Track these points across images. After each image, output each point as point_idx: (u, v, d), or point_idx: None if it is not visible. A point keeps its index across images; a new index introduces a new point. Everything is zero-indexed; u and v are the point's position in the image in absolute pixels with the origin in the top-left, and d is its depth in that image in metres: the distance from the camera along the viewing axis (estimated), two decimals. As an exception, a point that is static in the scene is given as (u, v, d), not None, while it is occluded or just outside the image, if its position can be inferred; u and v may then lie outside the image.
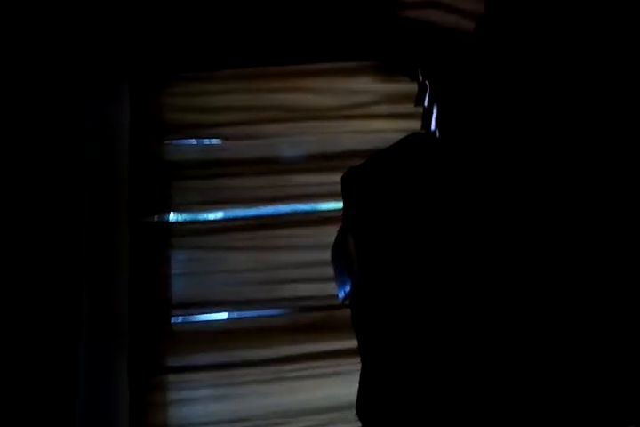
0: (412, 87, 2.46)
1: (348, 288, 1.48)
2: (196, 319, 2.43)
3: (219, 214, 2.56)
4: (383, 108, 2.50)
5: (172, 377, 2.31)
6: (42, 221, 2.29)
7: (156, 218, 2.48)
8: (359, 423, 1.39)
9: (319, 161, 2.47)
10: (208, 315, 2.43)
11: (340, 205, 1.65)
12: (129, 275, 2.35)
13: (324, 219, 2.44)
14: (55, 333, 2.22)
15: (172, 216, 2.53)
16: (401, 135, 1.64)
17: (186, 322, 2.43)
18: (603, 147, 1.47)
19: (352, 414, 1.42)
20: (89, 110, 2.41)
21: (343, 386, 2.21)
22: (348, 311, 1.50)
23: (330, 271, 1.61)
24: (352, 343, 1.53)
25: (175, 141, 2.52)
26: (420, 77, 2.45)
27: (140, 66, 2.48)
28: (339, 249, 1.55)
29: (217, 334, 2.36)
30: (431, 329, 1.31)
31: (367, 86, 2.49)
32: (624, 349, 1.29)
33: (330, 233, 1.65)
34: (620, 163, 1.46)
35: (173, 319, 2.40)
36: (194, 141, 2.54)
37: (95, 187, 2.38)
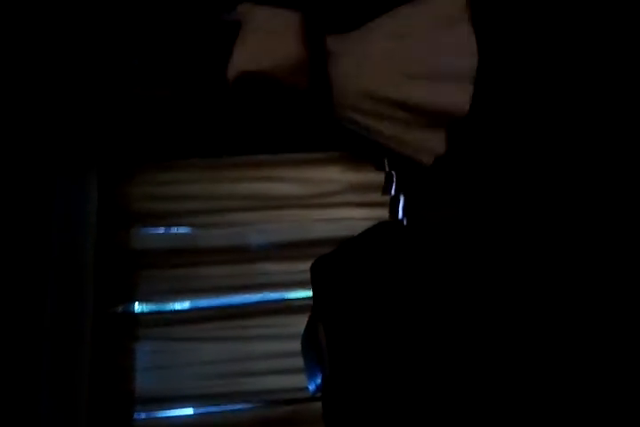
0: (378, 177, 2.51)
1: (318, 380, 1.45)
2: (161, 415, 2.35)
3: (186, 304, 2.52)
4: (351, 197, 2.53)
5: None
6: (4, 309, 2.23)
7: (121, 308, 2.43)
8: None
9: (288, 249, 2.48)
10: (173, 410, 2.35)
11: (309, 293, 1.64)
12: (90, 367, 2.28)
13: (293, 308, 2.42)
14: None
15: (138, 306, 2.48)
16: (369, 223, 1.65)
17: (149, 418, 2.34)
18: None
19: None
20: (57, 198, 2.41)
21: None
22: (319, 404, 1.46)
23: (300, 362, 1.58)
24: (324, 438, 1.48)
25: (143, 230, 2.51)
26: (387, 167, 2.51)
27: (109, 154, 2.50)
28: (309, 339, 1.53)
29: (182, 431, 2.28)
30: (406, 421, 1.28)
31: (335, 176, 2.54)
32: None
33: (300, 322, 1.62)
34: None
35: (136, 415, 2.31)
36: (162, 230, 2.54)
37: (61, 276, 2.35)
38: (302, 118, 1.99)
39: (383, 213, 2.48)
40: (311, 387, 1.50)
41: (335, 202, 2.53)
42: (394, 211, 2.41)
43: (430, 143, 1.77)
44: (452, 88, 1.61)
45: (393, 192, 2.47)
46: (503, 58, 1.71)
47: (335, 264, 1.54)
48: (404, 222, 1.94)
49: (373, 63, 1.68)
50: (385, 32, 1.68)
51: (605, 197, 1.54)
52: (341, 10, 2.19)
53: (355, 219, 2.48)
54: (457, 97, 1.59)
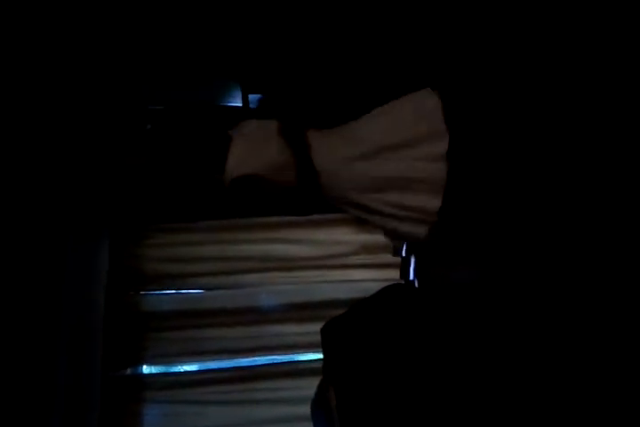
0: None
1: (328, 444, 1.42)
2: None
3: (194, 366, 2.49)
4: (362, 259, 2.54)
5: None
6: (12, 368, 2.21)
7: (129, 371, 2.41)
8: None
9: (298, 311, 2.46)
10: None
11: (319, 355, 1.62)
12: (98, 430, 2.23)
13: (303, 370, 2.39)
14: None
15: (146, 369, 2.46)
16: (380, 284, 1.65)
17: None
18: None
19: None
20: (69, 258, 2.42)
21: None
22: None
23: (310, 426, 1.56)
24: None
25: (152, 292, 2.51)
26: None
27: (121, 216, 2.53)
28: (319, 402, 1.51)
29: None
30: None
31: (346, 237, 2.55)
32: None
33: (310, 386, 1.62)
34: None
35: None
36: (172, 292, 2.53)
37: (70, 337, 2.33)
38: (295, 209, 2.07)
39: (394, 275, 2.48)
40: (321, 451, 1.47)
41: (346, 263, 2.53)
42: (405, 272, 2.42)
43: (414, 233, 1.86)
44: (423, 196, 1.72)
45: (404, 253, 2.48)
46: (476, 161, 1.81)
47: (346, 327, 1.53)
48: (416, 284, 1.94)
49: (353, 167, 1.79)
50: (363, 137, 1.80)
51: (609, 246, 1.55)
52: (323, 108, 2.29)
53: (366, 280, 2.47)
54: (429, 203, 1.70)
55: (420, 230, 1.75)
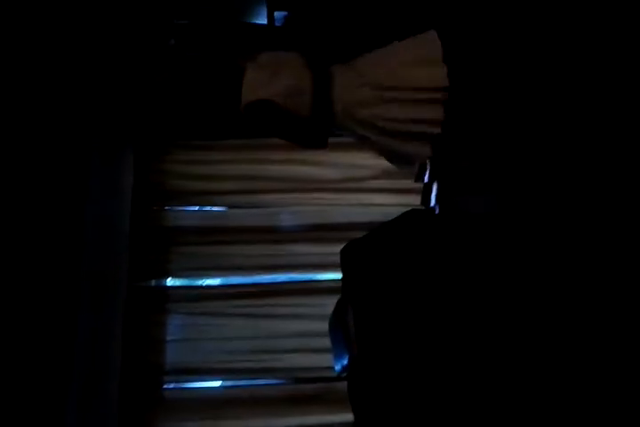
0: (412, 163, 2.53)
1: (345, 361, 1.48)
2: (189, 386, 2.42)
3: (216, 281, 2.57)
4: (383, 183, 2.55)
5: (160, 446, 2.27)
6: (40, 279, 2.30)
7: (153, 282, 2.49)
8: None
9: (318, 232, 2.51)
10: (201, 382, 2.42)
11: (338, 275, 1.66)
12: (123, 338, 2.33)
13: (321, 289, 2.45)
14: (45, 394, 2.20)
15: (170, 281, 2.54)
16: (400, 209, 1.67)
17: (178, 389, 2.41)
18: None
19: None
20: (93, 174, 2.46)
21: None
22: (344, 385, 1.50)
23: (327, 343, 1.61)
24: (348, 417, 1.52)
25: (176, 208, 2.55)
26: (421, 154, 2.52)
27: (146, 133, 2.54)
28: (337, 321, 1.56)
29: (209, 403, 2.34)
30: (430, 407, 1.31)
31: (369, 161, 2.54)
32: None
33: (327, 303, 1.66)
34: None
35: (165, 385, 2.38)
36: (195, 208, 2.58)
37: (95, 249, 2.40)
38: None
39: (415, 200, 2.49)
40: (337, 367, 1.53)
41: (368, 187, 2.56)
42: (426, 198, 2.43)
43: (417, 154, 1.91)
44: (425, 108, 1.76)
45: (426, 179, 2.49)
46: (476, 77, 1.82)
47: (366, 249, 1.57)
48: (436, 210, 1.96)
49: (363, 89, 1.80)
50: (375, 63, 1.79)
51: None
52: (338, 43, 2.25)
53: (386, 205, 2.50)
54: (431, 115, 1.77)
55: (425, 150, 1.80)
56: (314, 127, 1.88)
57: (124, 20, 2.40)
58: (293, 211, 2.54)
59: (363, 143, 2.00)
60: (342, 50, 1.98)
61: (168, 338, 2.40)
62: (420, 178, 2.47)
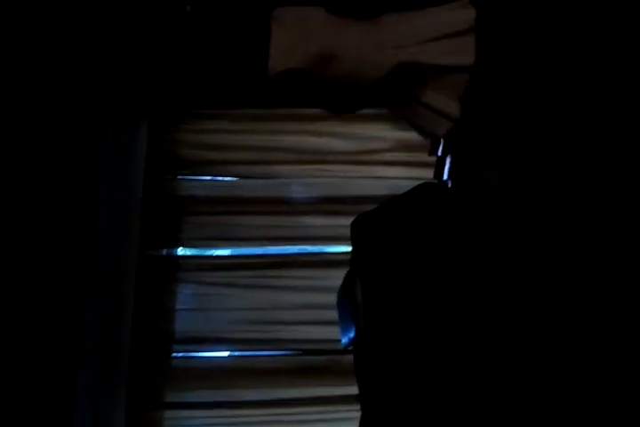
0: (425, 136, 2.50)
1: (352, 334, 1.48)
2: (197, 355, 2.43)
3: (227, 251, 2.57)
4: (396, 156, 2.52)
5: (168, 413, 2.30)
6: (52, 245, 2.30)
7: (164, 251, 2.50)
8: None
9: (330, 204, 2.49)
10: (209, 352, 2.43)
11: (348, 248, 1.65)
12: (133, 306, 2.35)
13: (331, 262, 2.45)
14: (54, 358, 2.21)
15: (181, 250, 2.54)
16: (413, 183, 1.65)
17: (186, 357, 2.42)
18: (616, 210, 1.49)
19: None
20: (106, 143, 2.44)
21: (341, 433, 2.20)
22: (350, 357, 1.50)
23: (334, 315, 1.61)
24: (352, 390, 1.52)
25: (189, 177, 2.55)
26: (435, 127, 2.49)
27: (159, 102, 2.52)
28: (345, 294, 1.55)
29: (217, 372, 2.36)
30: (434, 381, 1.31)
31: (382, 133, 2.53)
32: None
33: (337, 276, 1.65)
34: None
35: (174, 354, 2.40)
36: (207, 178, 2.57)
37: (108, 218, 2.40)
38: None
39: (428, 174, 2.47)
40: (344, 340, 1.53)
41: (381, 160, 2.53)
42: (439, 172, 2.41)
43: (447, 109, 1.88)
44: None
45: (440, 153, 2.47)
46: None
47: (377, 223, 1.55)
48: (449, 184, 1.94)
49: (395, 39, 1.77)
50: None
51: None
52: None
53: (399, 178, 2.47)
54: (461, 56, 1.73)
55: (450, 105, 1.78)
56: (348, 92, 1.84)
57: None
58: (305, 182, 2.52)
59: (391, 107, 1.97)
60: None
61: (178, 307, 2.42)
62: (433, 151, 2.45)
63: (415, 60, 1.79)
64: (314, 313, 2.37)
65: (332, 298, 1.64)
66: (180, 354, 2.42)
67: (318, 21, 1.78)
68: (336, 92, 1.81)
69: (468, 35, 1.76)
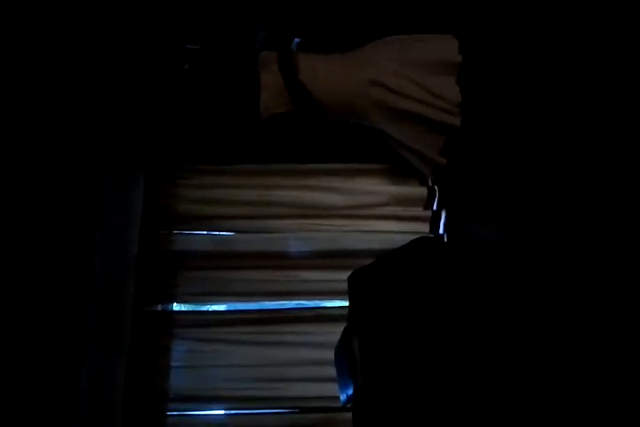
0: (421, 191, 2.53)
1: (350, 391, 1.46)
2: (193, 414, 2.38)
3: (223, 306, 2.56)
4: (393, 210, 2.53)
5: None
6: (47, 300, 2.29)
7: (159, 307, 2.48)
8: None
9: (326, 258, 2.48)
10: (205, 410, 2.38)
11: (345, 303, 1.65)
12: (127, 362, 2.31)
13: (328, 316, 2.43)
14: (47, 416, 2.17)
15: (176, 306, 2.52)
16: (409, 237, 1.66)
17: (181, 416, 2.37)
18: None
19: None
20: (104, 197, 2.45)
21: None
22: (349, 415, 1.47)
23: (332, 371, 1.59)
24: (352, 449, 1.49)
25: (185, 232, 2.54)
26: (430, 182, 2.53)
27: (156, 156, 2.54)
28: (343, 350, 1.54)
29: (213, 431, 2.31)
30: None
31: (377, 188, 2.54)
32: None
33: (333, 331, 1.64)
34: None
35: (169, 412, 2.35)
36: (204, 233, 2.57)
37: (103, 271, 2.39)
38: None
39: (424, 228, 2.49)
40: (342, 397, 1.51)
41: (377, 214, 2.53)
42: (435, 226, 2.43)
43: (430, 153, 1.94)
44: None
45: (435, 207, 2.50)
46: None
47: (373, 277, 1.55)
48: (445, 238, 1.96)
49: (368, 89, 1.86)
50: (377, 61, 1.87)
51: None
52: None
53: (395, 232, 2.48)
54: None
55: (433, 147, 1.83)
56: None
57: (137, 44, 2.42)
58: (302, 237, 2.51)
59: (376, 132, 2.01)
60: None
61: (173, 364, 2.38)
62: (429, 205, 2.48)
63: (401, 107, 1.84)
64: (311, 370, 2.33)
65: (329, 354, 1.63)
66: (175, 413, 2.36)
67: (300, 63, 1.85)
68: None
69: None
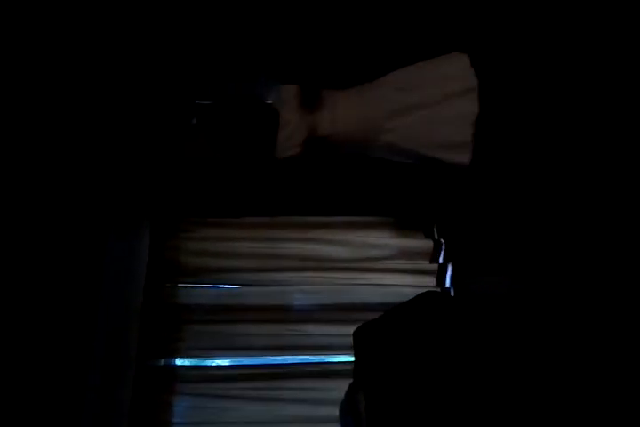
0: (427, 244, 2.52)
1: (355, 450, 1.42)
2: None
3: (226, 361, 2.51)
4: (399, 263, 2.52)
5: None
6: (50, 354, 2.27)
7: (162, 361, 2.44)
8: None
9: (332, 312, 2.46)
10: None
11: (350, 358, 1.62)
12: (129, 419, 2.27)
13: (334, 372, 2.39)
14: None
15: (179, 360, 2.49)
16: (415, 291, 1.65)
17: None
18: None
19: None
20: (109, 250, 2.46)
21: None
22: (354, 476, 1.43)
23: (337, 429, 1.56)
24: None
25: (190, 285, 2.53)
26: (436, 235, 2.53)
27: (162, 210, 2.55)
28: (348, 407, 1.51)
29: None
30: None
31: (383, 241, 2.54)
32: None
33: (339, 387, 1.61)
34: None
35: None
36: (208, 286, 2.55)
37: (107, 324, 2.37)
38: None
39: (430, 281, 2.48)
40: (347, 456, 1.47)
41: (383, 267, 2.52)
42: (441, 280, 2.42)
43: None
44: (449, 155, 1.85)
45: (441, 260, 2.48)
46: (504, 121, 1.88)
47: (379, 332, 1.53)
48: (452, 292, 1.94)
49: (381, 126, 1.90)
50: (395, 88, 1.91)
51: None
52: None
53: (401, 285, 2.46)
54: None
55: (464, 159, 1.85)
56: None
57: (146, 97, 2.46)
58: (307, 290, 2.49)
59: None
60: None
61: (175, 420, 2.33)
62: (435, 259, 2.47)
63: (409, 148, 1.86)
64: (316, 427, 2.29)
65: (334, 411, 1.59)
66: (177, 472, 2.31)
67: (318, 103, 1.88)
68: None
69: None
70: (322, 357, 2.49)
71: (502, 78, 2.00)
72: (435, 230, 2.53)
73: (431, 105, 1.99)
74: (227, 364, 2.51)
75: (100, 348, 2.32)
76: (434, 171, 2.23)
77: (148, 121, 2.46)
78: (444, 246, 2.50)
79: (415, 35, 2.34)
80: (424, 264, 2.50)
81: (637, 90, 1.96)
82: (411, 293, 1.61)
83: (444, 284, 2.45)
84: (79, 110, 2.43)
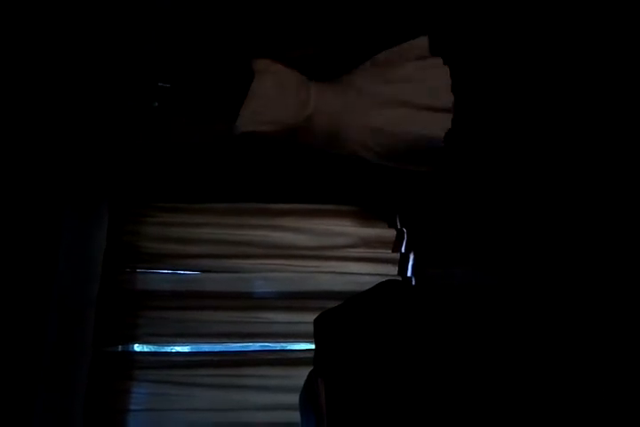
0: (390, 233, 2.53)
1: (315, 437, 1.42)
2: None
3: (186, 348, 2.50)
4: (361, 252, 2.52)
5: None
6: (4, 338, 2.22)
7: (120, 348, 2.41)
8: None
9: (292, 300, 2.46)
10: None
11: (311, 346, 1.62)
12: (84, 406, 2.24)
13: (293, 359, 2.39)
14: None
15: (138, 346, 2.46)
16: (377, 279, 1.65)
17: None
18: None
19: None
20: (64, 231, 2.41)
21: None
22: (313, 462, 1.43)
23: (296, 416, 1.56)
24: None
25: (148, 271, 2.49)
26: (399, 224, 2.54)
27: (122, 193, 2.51)
28: (308, 395, 1.51)
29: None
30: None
31: (345, 229, 2.54)
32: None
33: (299, 375, 1.62)
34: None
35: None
36: (168, 272, 2.52)
37: (62, 310, 2.33)
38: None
39: (392, 270, 2.49)
40: (307, 443, 1.47)
41: (345, 255, 2.52)
42: (403, 268, 2.43)
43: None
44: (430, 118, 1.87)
45: (403, 249, 2.49)
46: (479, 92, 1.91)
47: (340, 320, 1.53)
48: (413, 281, 1.95)
49: (365, 103, 1.90)
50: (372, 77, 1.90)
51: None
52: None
53: (363, 274, 2.47)
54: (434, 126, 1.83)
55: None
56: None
57: (108, 79, 2.41)
58: (268, 277, 2.48)
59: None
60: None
61: (132, 407, 2.31)
62: (397, 248, 2.47)
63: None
64: (275, 415, 2.29)
65: (294, 398, 1.60)
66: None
67: (293, 87, 1.85)
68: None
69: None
70: (283, 344, 2.49)
71: (477, 71, 2.01)
72: (397, 220, 2.53)
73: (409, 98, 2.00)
74: (187, 351, 2.50)
75: (53, 333, 2.28)
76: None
77: (109, 102, 2.41)
78: (406, 236, 2.50)
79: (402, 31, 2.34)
80: (386, 253, 2.50)
81: (622, 82, 1.98)
82: (372, 281, 1.62)
83: (406, 273, 2.47)
84: (39, 88, 2.37)
